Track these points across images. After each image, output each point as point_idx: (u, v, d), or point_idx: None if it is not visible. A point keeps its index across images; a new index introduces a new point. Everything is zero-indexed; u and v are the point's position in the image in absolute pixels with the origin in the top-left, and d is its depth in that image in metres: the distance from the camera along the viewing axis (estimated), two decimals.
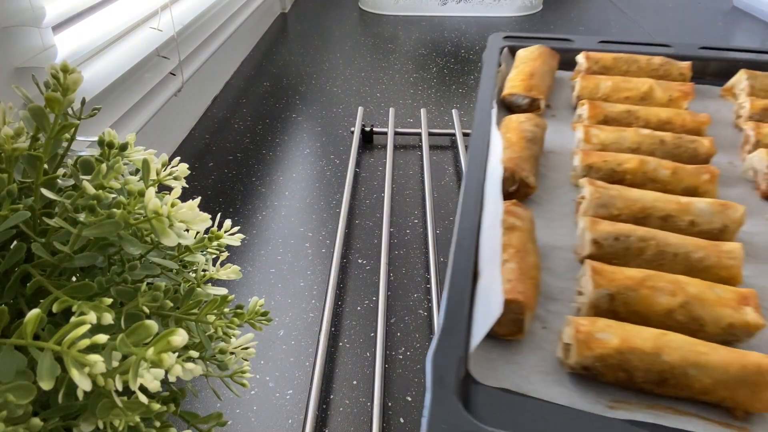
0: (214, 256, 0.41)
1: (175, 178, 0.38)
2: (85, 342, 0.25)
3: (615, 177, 0.62)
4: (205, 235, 0.39)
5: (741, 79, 0.77)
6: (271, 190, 0.83)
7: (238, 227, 0.41)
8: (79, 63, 0.71)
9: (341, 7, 1.70)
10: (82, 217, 0.30)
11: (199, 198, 0.35)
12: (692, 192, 0.61)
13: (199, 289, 0.37)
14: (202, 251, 0.39)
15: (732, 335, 0.48)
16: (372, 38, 1.44)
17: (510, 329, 0.47)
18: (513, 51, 0.86)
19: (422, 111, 1.01)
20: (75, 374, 0.25)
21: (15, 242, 0.31)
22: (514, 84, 0.76)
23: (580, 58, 0.82)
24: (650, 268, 0.53)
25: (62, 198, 0.31)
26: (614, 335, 0.45)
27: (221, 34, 1.15)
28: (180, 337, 0.27)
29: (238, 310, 0.38)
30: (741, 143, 0.70)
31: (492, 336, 0.47)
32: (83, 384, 0.25)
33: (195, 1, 1.03)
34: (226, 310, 0.37)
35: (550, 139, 0.72)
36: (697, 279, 0.51)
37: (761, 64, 0.80)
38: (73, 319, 0.26)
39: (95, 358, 0.25)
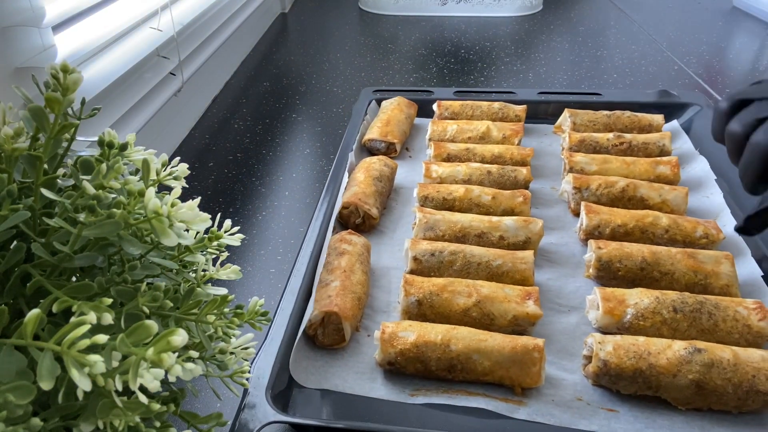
0: (214, 256, 0.41)
1: (175, 178, 0.38)
2: (85, 342, 0.25)
3: (446, 204, 0.73)
4: (205, 235, 0.39)
5: (566, 117, 0.91)
6: (271, 190, 0.83)
7: (238, 227, 0.41)
8: (79, 63, 0.71)
9: (341, 7, 1.70)
10: (82, 217, 0.30)
11: (199, 198, 0.35)
12: (510, 212, 0.71)
13: (199, 289, 0.37)
14: (202, 251, 0.39)
15: (518, 325, 0.56)
16: (372, 38, 1.44)
17: (334, 339, 0.55)
18: (380, 102, 0.98)
19: None
20: (75, 374, 0.25)
21: (15, 242, 0.31)
22: (373, 131, 0.88)
23: (435, 107, 0.95)
24: (460, 277, 0.61)
25: (62, 198, 0.31)
26: (413, 333, 0.52)
27: (221, 34, 1.15)
28: (180, 337, 0.27)
29: (238, 310, 0.38)
30: (562, 170, 0.82)
31: (320, 347, 0.55)
32: (83, 384, 0.25)
33: (195, 1, 1.03)
34: (226, 310, 0.37)
35: (405, 176, 0.83)
36: (493, 282, 0.59)
37: (583, 103, 0.94)
38: (73, 319, 0.26)
39: (95, 358, 0.25)
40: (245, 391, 0.48)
